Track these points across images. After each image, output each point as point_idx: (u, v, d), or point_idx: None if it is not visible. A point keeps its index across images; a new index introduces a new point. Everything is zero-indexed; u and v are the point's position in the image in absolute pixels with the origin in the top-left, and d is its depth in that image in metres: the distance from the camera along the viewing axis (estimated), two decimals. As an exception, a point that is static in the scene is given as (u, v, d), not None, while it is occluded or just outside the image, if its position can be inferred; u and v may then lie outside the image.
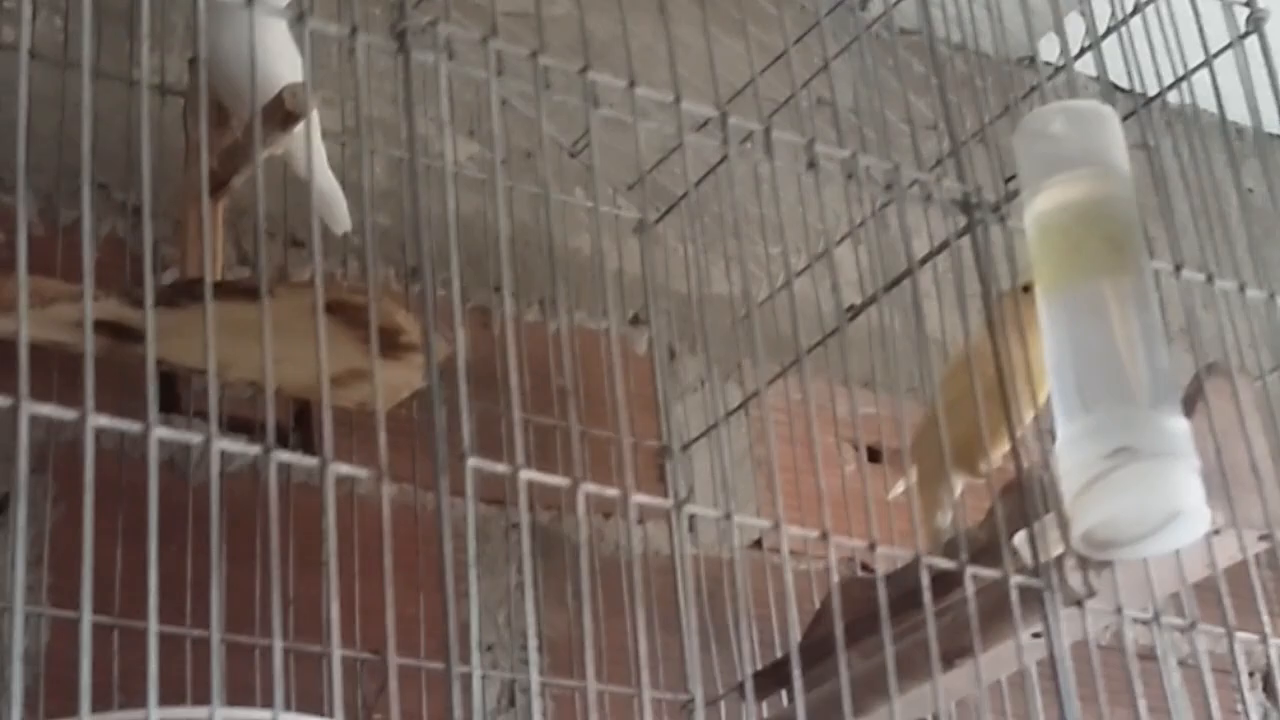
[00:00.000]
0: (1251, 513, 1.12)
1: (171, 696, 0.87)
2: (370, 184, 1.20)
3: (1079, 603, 1.08)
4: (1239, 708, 1.47)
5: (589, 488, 0.95)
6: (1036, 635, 1.11)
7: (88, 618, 0.80)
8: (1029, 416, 1.18)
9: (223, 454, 0.85)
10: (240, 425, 1.24)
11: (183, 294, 1.19)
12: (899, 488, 1.38)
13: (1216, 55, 1.29)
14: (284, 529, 0.89)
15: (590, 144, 1.41)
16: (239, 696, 0.97)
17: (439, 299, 1.01)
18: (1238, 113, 1.27)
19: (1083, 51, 1.26)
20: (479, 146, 1.58)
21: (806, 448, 1.18)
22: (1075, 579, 1.08)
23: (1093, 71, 1.26)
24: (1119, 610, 1.09)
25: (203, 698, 1.00)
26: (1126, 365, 1.08)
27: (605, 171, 1.41)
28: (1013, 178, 1.18)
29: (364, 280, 1.46)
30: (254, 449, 0.87)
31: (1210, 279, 1.22)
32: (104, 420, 0.82)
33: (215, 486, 0.85)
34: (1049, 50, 1.28)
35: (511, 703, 1.41)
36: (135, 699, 1.10)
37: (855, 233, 1.34)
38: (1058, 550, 1.09)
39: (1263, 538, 1.14)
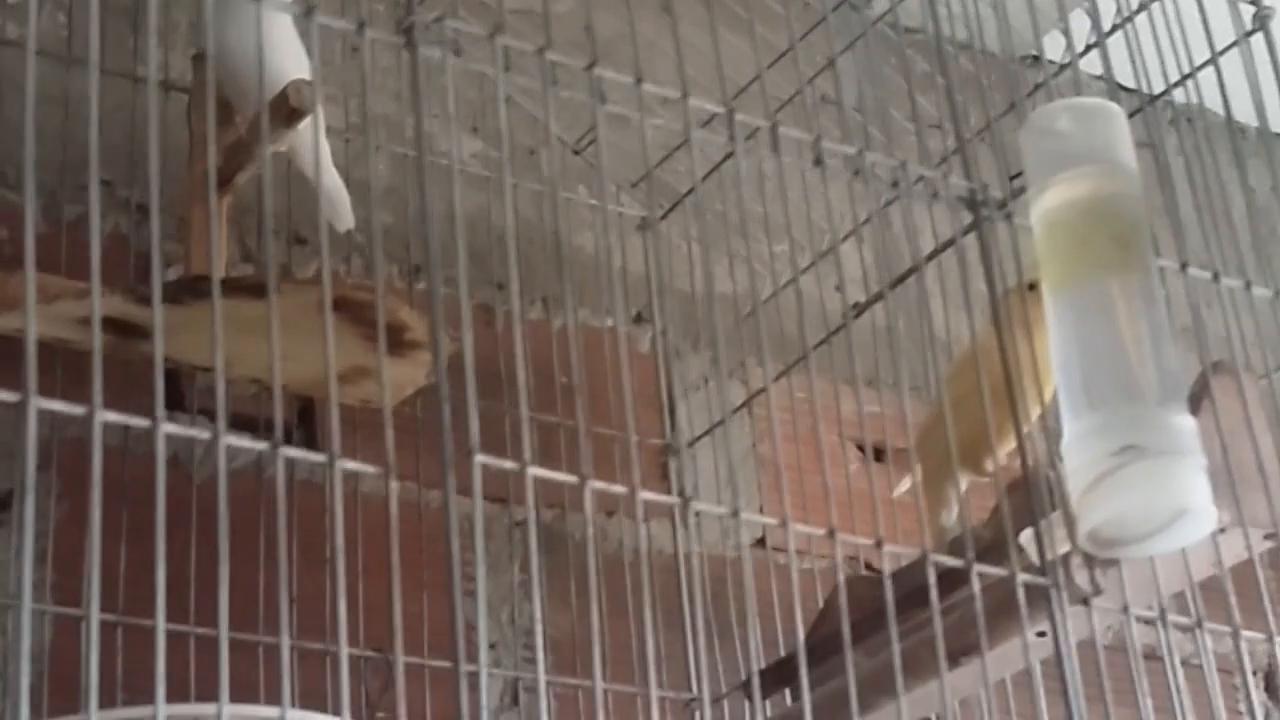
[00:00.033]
0: (1257, 511, 1.12)
1: (177, 693, 0.87)
2: (375, 181, 1.20)
3: (1085, 601, 1.08)
4: (1241, 707, 1.47)
5: (596, 484, 0.95)
6: (1041, 634, 1.11)
7: (95, 614, 0.80)
8: (1035, 414, 1.17)
9: (227, 451, 0.85)
10: (243, 423, 1.24)
11: (187, 291, 1.19)
12: (904, 485, 1.38)
13: (1222, 53, 1.28)
14: (288, 526, 0.89)
15: (594, 141, 1.41)
16: (243, 693, 0.97)
17: (431, 297, 1.01)
18: (1243, 111, 1.27)
19: (1088, 49, 1.26)
20: (482, 144, 1.58)
21: (810, 446, 1.18)
22: (1082, 577, 1.08)
23: (1097, 69, 1.26)
24: (1125, 609, 1.09)
25: (207, 695, 1.01)
26: (1133, 363, 1.07)
27: (609, 169, 1.41)
28: (1018, 175, 1.18)
29: (368, 277, 1.46)
30: (261, 445, 0.87)
31: (1216, 277, 1.21)
32: (112, 415, 0.82)
33: (222, 482, 0.85)
34: (1054, 48, 1.27)
35: (515, 701, 1.41)
36: (140, 696, 1.10)
37: (859, 230, 1.34)
38: (1064, 548, 1.09)
39: (1268, 536, 1.14)
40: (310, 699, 1.08)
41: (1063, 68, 1.26)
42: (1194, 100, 1.29)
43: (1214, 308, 1.21)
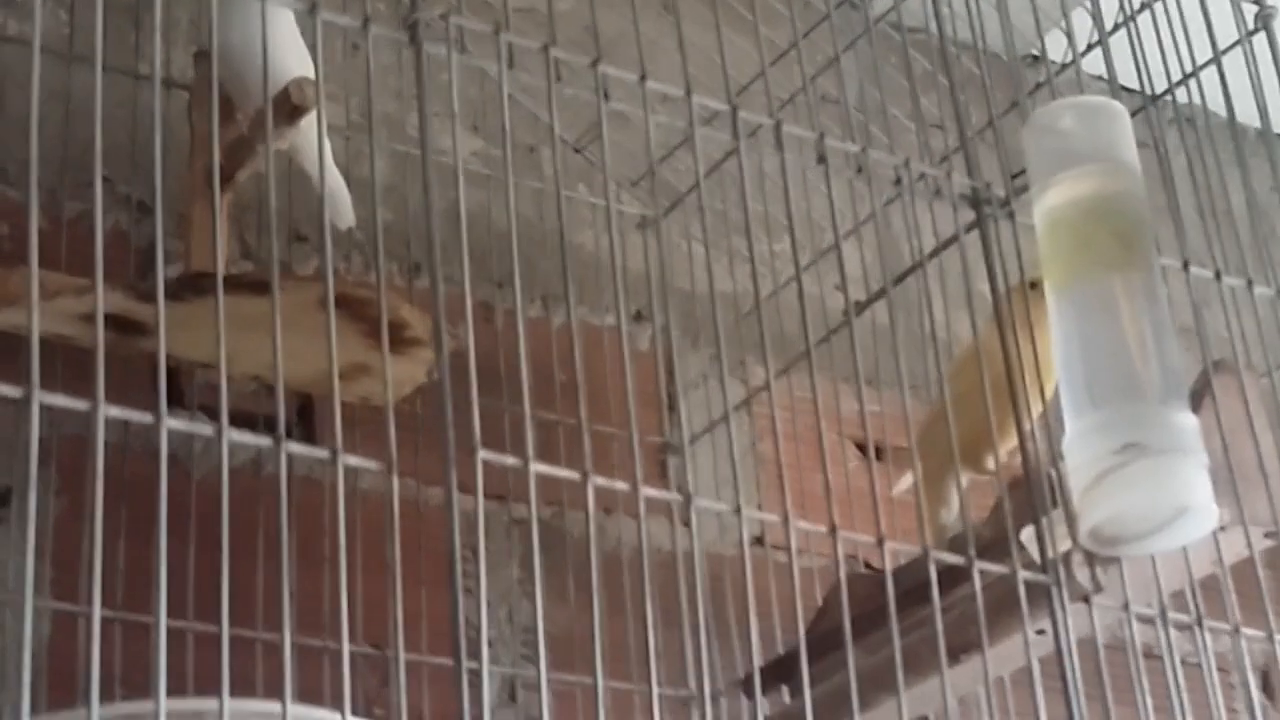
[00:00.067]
0: (1258, 509, 1.12)
1: (175, 689, 0.87)
2: (378, 179, 1.20)
3: (1086, 599, 1.08)
4: (1238, 705, 1.47)
5: (599, 481, 0.95)
6: (1040, 632, 1.11)
7: (97, 610, 0.80)
8: (1036, 412, 1.17)
9: (221, 449, 0.85)
10: (243, 420, 1.22)
11: (187, 287, 1.18)
12: (904, 484, 1.38)
13: (1225, 52, 1.28)
14: (289, 523, 0.89)
15: (596, 139, 1.41)
16: (240, 689, 0.97)
17: (435, 294, 1.01)
18: (1245, 110, 1.27)
19: (1090, 48, 1.26)
20: (482, 142, 1.57)
21: (809, 445, 1.17)
22: (1083, 575, 1.08)
23: (1100, 68, 1.26)
24: (1126, 606, 1.09)
25: (205, 690, 1.01)
26: (1136, 361, 1.08)
27: (609, 168, 1.41)
28: (1020, 173, 1.18)
29: (368, 275, 1.46)
30: (265, 440, 0.87)
31: (1218, 275, 1.22)
32: (115, 411, 0.82)
33: (225, 478, 0.85)
34: (1055, 47, 1.27)
35: (512, 698, 1.41)
36: (137, 692, 1.10)
37: (859, 229, 1.34)
38: (1064, 546, 1.09)
39: (1269, 535, 1.14)
40: (306, 695, 1.08)
41: (1064, 66, 1.26)
42: (1196, 100, 1.29)
43: (1213, 307, 1.21)
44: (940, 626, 1.04)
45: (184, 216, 1.32)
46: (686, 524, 1.50)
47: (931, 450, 1.28)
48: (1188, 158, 1.26)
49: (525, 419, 0.95)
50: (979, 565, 1.06)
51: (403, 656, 0.87)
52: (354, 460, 0.88)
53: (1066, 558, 1.09)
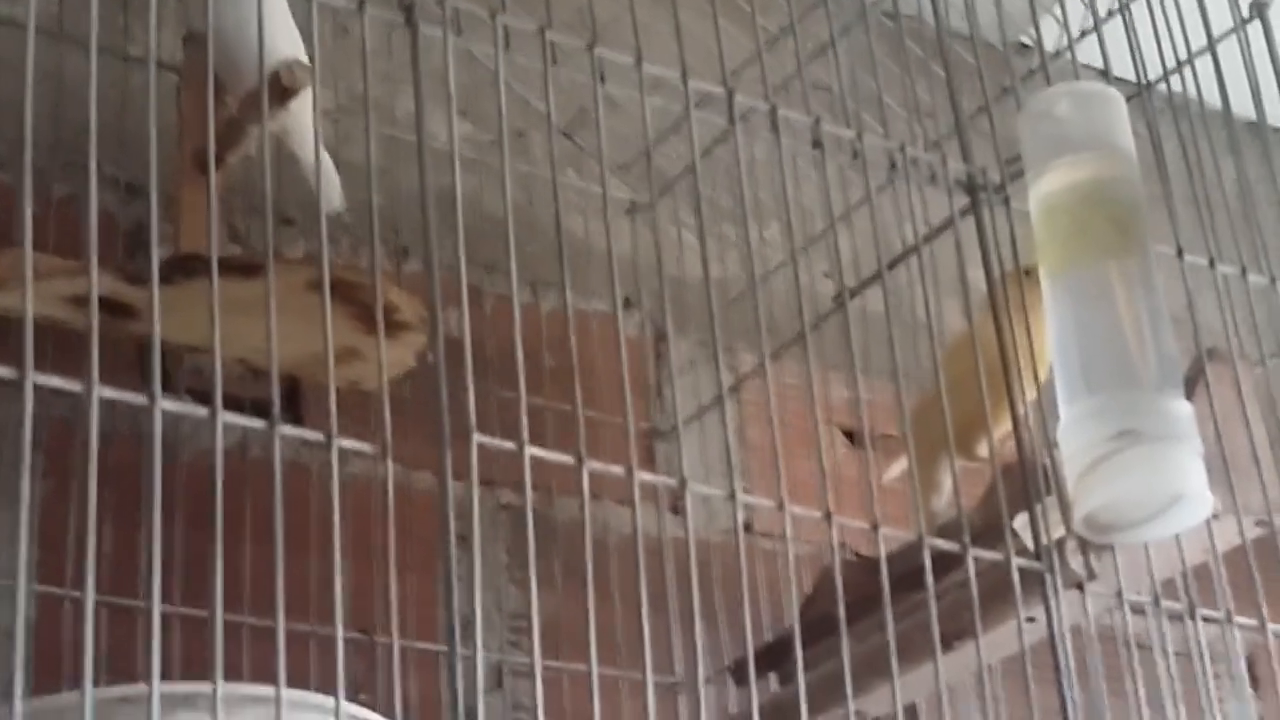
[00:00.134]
0: (1250, 498, 1.12)
1: (161, 674, 0.86)
2: (368, 162, 1.19)
3: (1079, 586, 1.08)
4: (1223, 694, 1.47)
5: (594, 465, 0.95)
6: (1030, 619, 1.10)
7: (90, 594, 0.79)
8: (1029, 397, 1.17)
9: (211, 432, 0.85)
10: (230, 403, 1.22)
11: (177, 270, 1.17)
12: (895, 471, 1.37)
13: (1219, 40, 1.28)
14: (284, 507, 0.88)
15: (585, 124, 1.41)
16: (228, 674, 0.96)
17: (430, 278, 1.00)
18: (1239, 98, 1.26)
19: (1083, 35, 1.26)
20: (471, 126, 1.57)
21: (797, 431, 1.17)
22: (1076, 562, 1.08)
23: (1092, 56, 1.25)
24: (1119, 594, 1.09)
25: (192, 675, 1.00)
26: (1131, 348, 1.07)
27: (598, 153, 1.40)
28: (1015, 159, 1.18)
29: (356, 258, 1.45)
30: (259, 423, 0.86)
31: (1212, 263, 1.21)
32: (109, 392, 0.81)
33: (219, 460, 0.84)
34: (1048, 35, 1.27)
35: (499, 684, 1.40)
36: (123, 677, 1.09)
37: (849, 215, 1.34)
38: (1058, 533, 1.09)
39: (1260, 523, 1.14)
40: (293, 680, 1.07)
41: (1058, 53, 1.26)
42: (1190, 88, 1.29)
43: (1204, 295, 1.21)
44: (934, 613, 1.04)
45: (172, 199, 1.31)
46: (674, 510, 1.50)
47: (922, 437, 1.27)
48: (1181, 145, 1.26)
49: (520, 403, 0.95)
50: (973, 552, 1.06)
51: (397, 642, 0.87)
52: (348, 443, 0.88)
53: (1060, 545, 1.08)
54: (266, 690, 0.85)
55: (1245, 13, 1.29)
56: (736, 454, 1.59)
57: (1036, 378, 1.17)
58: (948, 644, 1.09)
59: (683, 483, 1.00)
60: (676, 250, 1.57)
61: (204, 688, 0.83)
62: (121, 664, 1.20)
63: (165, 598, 1.18)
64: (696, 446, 1.54)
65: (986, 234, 1.20)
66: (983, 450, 1.25)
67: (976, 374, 1.15)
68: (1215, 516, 1.09)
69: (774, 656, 1.29)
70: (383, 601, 1.18)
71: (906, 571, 1.07)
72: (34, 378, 0.79)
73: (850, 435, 1.63)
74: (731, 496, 1.01)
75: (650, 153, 1.18)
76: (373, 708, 1.11)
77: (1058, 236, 1.12)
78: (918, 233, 1.23)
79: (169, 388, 1.34)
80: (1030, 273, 1.15)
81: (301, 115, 1.29)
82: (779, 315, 1.29)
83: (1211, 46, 1.28)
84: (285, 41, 1.23)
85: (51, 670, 1.17)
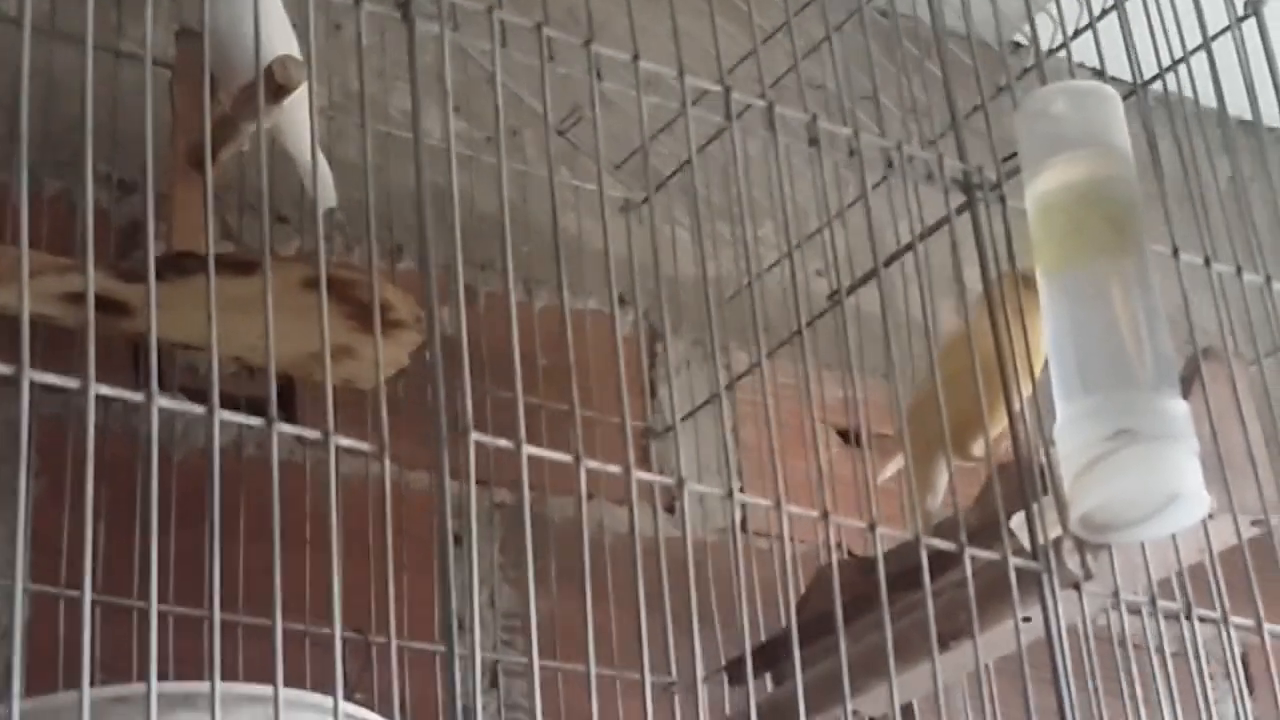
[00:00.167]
0: (1246, 497, 1.12)
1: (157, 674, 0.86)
2: (362, 159, 1.19)
3: (1076, 586, 1.08)
4: (1218, 695, 1.47)
5: (591, 464, 0.94)
6: (1027, 619, 1.10)
7: (88, 595, 0.79)
8: (1023, 396, 1.17)
9: (206, 430, 0.85)
10: (224, 401, 1.22)
11: (170, 267, 1.17)
12: (889, 470, 1.37)
13: (1214, 38, 1.28)
14: (280, 505, 0.88)
15: (578, 122, 1.40)
16: (224, 673, 0.96)
17: (427, 277, 1.00)
18: (1235, 97, 1.26)
19: (1078, 33, 1.25)
20: (464, 123, 1.56)
21: (791, 431, 1.17)
22: (1073, 561, 1.08)
23: (1086, 54, 1.25)
24: (1115, 594, 1.08)
25: (186, 674, 0.99)
26: (1128, 347, 1.07)
27: (593, 151, 1.40)
28: (1011, 156, 1.18)
29: (349, 256, 1.45)
30: (256, 421, 0.86)
31: (1207, 262, 1.21)
32: (105, 389, 0.81)
33: (215, 458, 0.84)
34: (1043, 33, 1.27)
35: (493, 684, 1.40)
36: (118, 676, 1.09)
37: (844, 213, 1.33)
38: (1054, 532, 1.09)
39: (1256, 523, 1.13)
40: (288, 680, 1.07)
41: (1053, 51, 1.26)
42: (1186, 86, 1.28)
43: (1199, 294, 1.21)
44: (931, 613, 1.03)
45: (165, 196, 1.31)
46: (669, 509, 1.50)
47: (917, 436, 1.27)
48: (1177, 144, 1.26)
49: (516, 402, 0.94)
50: (970, 551, 1.06)
51: (395, 642, 0.87)
52: (346, 442, 0.87)
53: (1057, 544, 1.08)
54: (264, 689, 0.85)
55: (1240, 10, 1.29)
56: (729, 454, 1.58)
57: (1032, 373, 1.17)
58: (944, 644, 1.08)
59: (680, 482, 1.00)
60: (673, 249, 1.57)
61: (201, 687, 0.82)
62: (115, 663, 1.19)
63: (160, 596, 1.18)
64: (690, 446, 1.54)
65: (983, 232, 1.19)
66: (977, 450, 1.25)
67: (972, 373, 1.15)
68: (1211, 516, 1.09)
69: (768, 657, 1.29)
70: (377, 601, 1.18)
71: (901, 571, 1.07)
72: (31, 374, 0.79)
73: (844, 434, 1.62)
74: (729, 495, 1.00)
75: (642, 151, 1.18)
76: (369, 707, 1.11)
77: (1054, 235, 1.12)
78: (913, 231, 1.22)
79: (163, 386, 1.34)
80: (1030, 282, 1.15)
81: (294, 112, 1.29)
82: (773, 314, 1.29)
83: (1206, 44, 1.28)
84: (279, 38, 1.22)
85: (47, 669, 1.16)
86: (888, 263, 1.23)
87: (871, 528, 1.04)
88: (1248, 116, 1.27)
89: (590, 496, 1.46)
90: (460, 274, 0.97)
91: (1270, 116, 1.28)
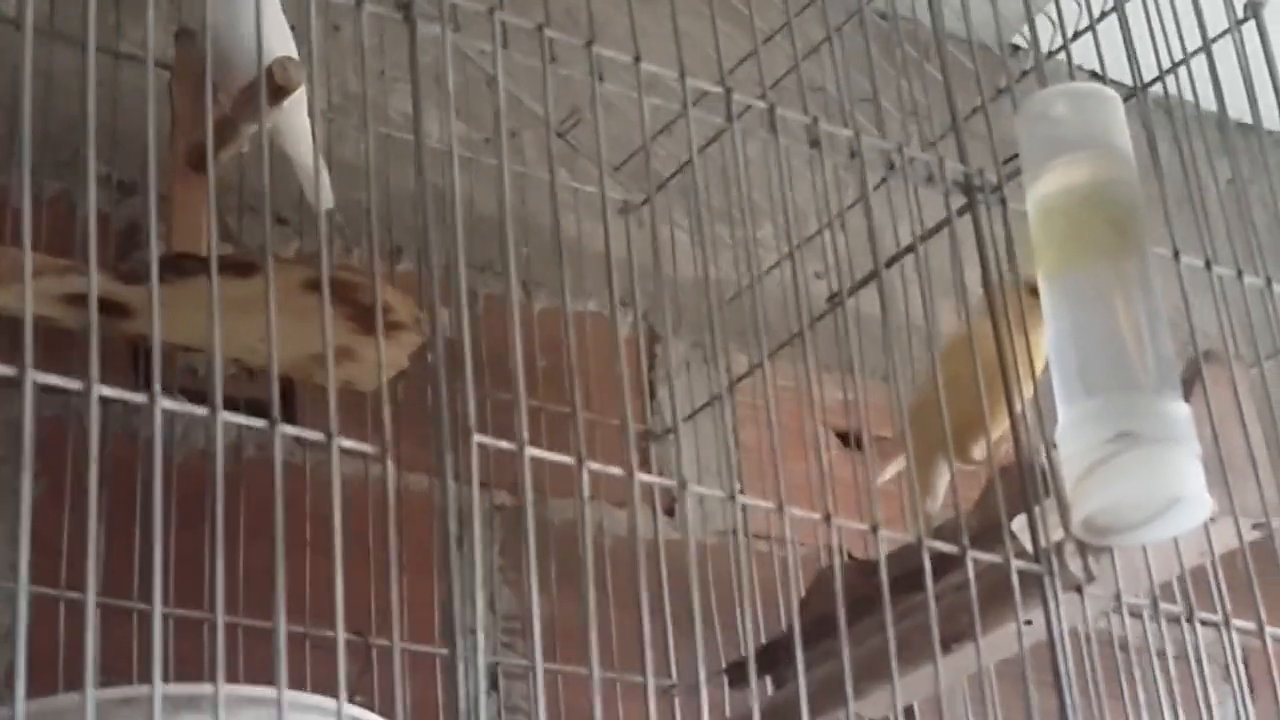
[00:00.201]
0: (1247, 500, 1.12)
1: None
2: (362, 160, 1.19)
3: (1078, 589, 1.08)
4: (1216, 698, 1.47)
5: (593, 466, 0.94)
6: (1028, 622, 1.10)
7: (92, 597, 0.79)
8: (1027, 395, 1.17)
9: (210, 432, 0.84)
10: (223, 403, 1.22)
11: (170, 269, 1.17)
12: (889, 472, 1.37)
13: (1214, 41, 1.28)
14: (284, 507, 0.87)
15: (577, 124, 1.40)
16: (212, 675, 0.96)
17: (429, 279, 1.00)
18: (1234, 100, 1.26)
19: (1077, 35, 1.25)
20: (463, 125, 1.56)
21: (791, 433, 1.17)
22: (1075, 564, 1.08)
23: (1086, 57, 1.25)
24: (1118, 597, 1.08)
25: (186, 676, 0.99)
26: (1130, 349, 1.07)
27: (592, 153, 1.40)
28: (1012, 158, 1.18)
29: (348, 258, 1.45)
30: (259, 422, 0.85)
31: (1208, 265, 1.21)
32: (108, 391, 0.81)
33: (219, 460, 0.84)
34: (1042, 35, 1.27)
35: (494, 686, 1.40)
36: (118, 678, 1.09)
37: (843, 215, 1.33)
38: (1056, 535, 1.09)
39: (1257, 526, 1.13)
40: (289, 682, 1.07)
41: (1052, 53, 1.26)
42: (1185, 89, 1.28)
43: (1199, 297, 1.21)
44: (935, 615, 1.03)
45: (165, 197, 1.31)
46: (668, 512, 1.50)
47: (916, 439, 1.27)
48: (1178, 147, 1.26)
49: (519, 404, 0.94)
50: (971, 554, 1.06)
51: (398, 645, 0.86)
52: (349, 443, 0.87)
53: (1059, 547, 1.08)
54: (267, 692, 0.84)
55: (1240, 13, 1.29)
56: (727, 457, 1.58)
57: (1034, 373, 1.17)
58: (945, 646, 1.08)
59: (683, 484, 0.99)
60: (672, 251, 1.57)
61: (205, 689, 0.82)
62: (119, 665, 1.19)
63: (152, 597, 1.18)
64: (690, 448, 1.53)
65: (983, 234, 1.19)
66: (978, 452, 1.24)
67: (973, 375, 1.15)
68: (1212, 519, 1.09)
69: (769, 660, 1.29)
70: (377, 603, 1.18)
71: (902, 574, 1.07)
72: (34, 376, 0.78)
73: (843, 437, 1.62)
74: (732, 498, 1.00)
75: (641, 153, 1.18)
76: (369, 710, 1.11)
77: (1055, 238, 1.12)
78: (914, 233, 1.22)
79: (163, 387, 1.34)
80: (1032, 289, 1.15)
81: (292, 114, 1.28)
82: (772, 316, 1.29)
83: (1206, 47, 1.28)
84: (278, 39, 1.22)
85: (46, 672, 1.16)
86: (888, 265, 1.22)
87: (874, 530, 1.04)
88: (1247, 119, 1.27)
89: (591, 498, 1.46)
90: (463, 276, 0.97)
91: (1270, 119, 1.28)
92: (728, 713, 1.37)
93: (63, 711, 0.95)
